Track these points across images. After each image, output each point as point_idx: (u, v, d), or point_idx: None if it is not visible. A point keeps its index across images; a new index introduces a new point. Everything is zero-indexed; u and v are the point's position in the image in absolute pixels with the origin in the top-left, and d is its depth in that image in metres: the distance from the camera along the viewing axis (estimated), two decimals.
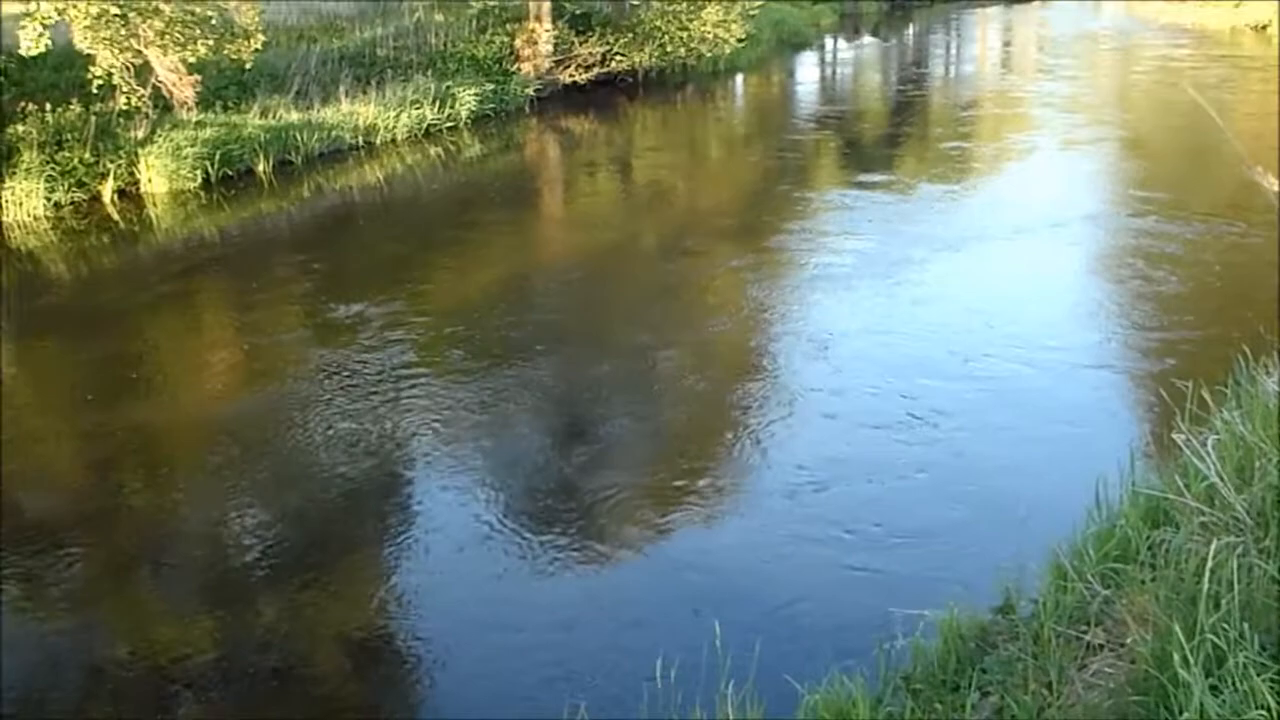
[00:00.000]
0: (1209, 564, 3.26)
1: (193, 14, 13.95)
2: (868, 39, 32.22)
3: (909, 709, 3.85)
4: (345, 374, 8.17)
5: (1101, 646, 3.74)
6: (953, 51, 31.11)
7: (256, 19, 15.09)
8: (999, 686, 3.86)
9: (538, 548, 5.81)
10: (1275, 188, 6.85)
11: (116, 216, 13.28)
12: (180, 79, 13.94)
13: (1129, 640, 3.53)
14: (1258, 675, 2.83)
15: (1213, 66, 23.92)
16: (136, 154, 13.96)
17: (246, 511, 6.39)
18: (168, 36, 13.55)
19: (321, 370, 8.30)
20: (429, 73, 18.60)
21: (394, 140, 16.92)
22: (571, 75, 20.87)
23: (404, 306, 9.71)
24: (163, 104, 14.36)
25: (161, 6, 13.58)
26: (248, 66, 15.21)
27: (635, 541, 5.92)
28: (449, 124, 17.83)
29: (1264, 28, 28.55)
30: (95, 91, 13.52)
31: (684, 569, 5.60)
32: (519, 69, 20.17)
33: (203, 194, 14.05)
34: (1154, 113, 19.80)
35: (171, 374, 8.75)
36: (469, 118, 18.24)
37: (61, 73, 14.76)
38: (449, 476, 6.65)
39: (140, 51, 13.66)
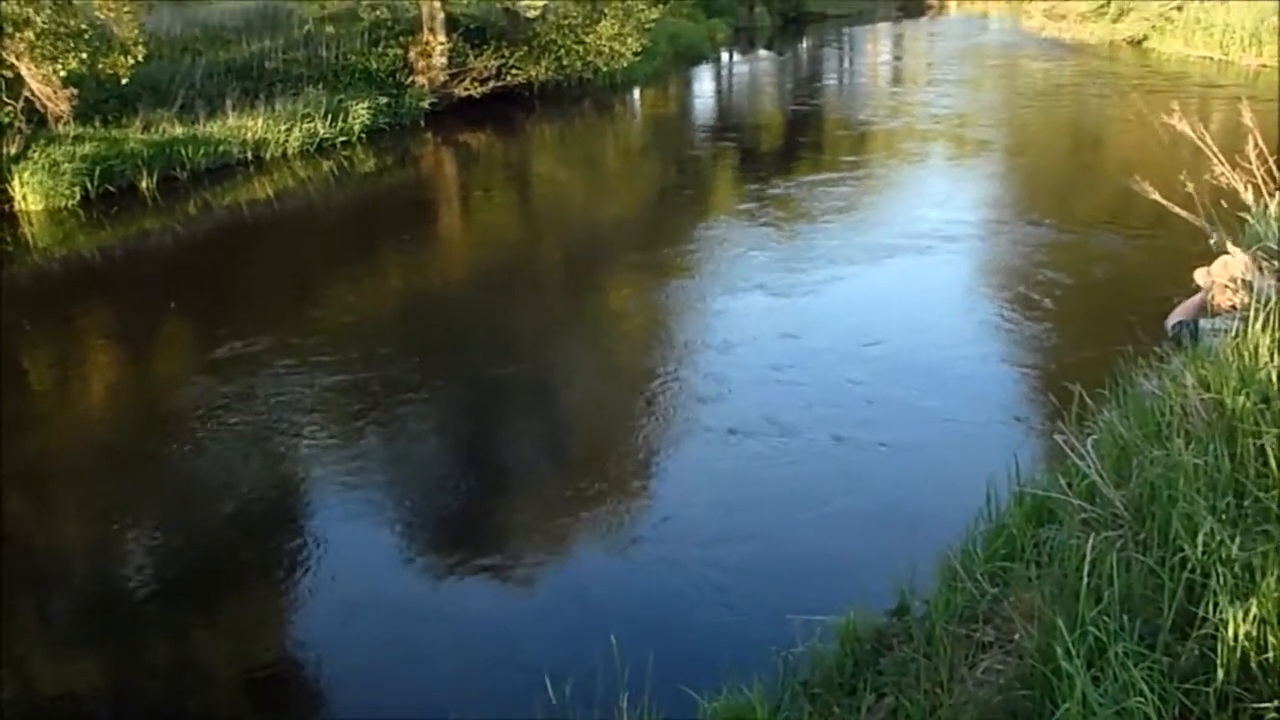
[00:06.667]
0: (1089, 559, 3.33)
1: (66, 26, 13.39)
2: (763, 53, 32.75)
3: (807, 714, 3.85)
4: (230, 395, 7.94)
5: (991, 644, 3.79)
6: (845, 65, 31.74)
7: (136, 32, 14.55)
8: (894, 687, 3.89)
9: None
10: (1153, 196, 7.09)
11: None
12: (55, 92, 13.40)
13: (1016, 636, 3.59)
14: (1136, 665, 2.89)
15: (1090, 80, 24.86)
16: (9, 170, 13.40)
17: None
18: (38, 49, 13.00)
19: (202, 390, 8.05)
20: (320, 86, 18.24)
21: (285, 155, 16.53)
22: (467, 89, 20.67)
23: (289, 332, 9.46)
24: (37, 118, 13.79)
25: (33, 17, 13.02)
26: (124, 81, 14.67)
27: (527, 556, 5.87)
28: (342, 138, 17.52)
29: (1139, 42, 29.78)
30: None
31: (580, 585, 5.56)
32: (413, 82, 19.93)
33: (82, 212, 13.53)
34: (1038, 128, 20.43)
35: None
36: (363, 132, 17.94)
37: None
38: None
39: (12, 64, 13.11)
